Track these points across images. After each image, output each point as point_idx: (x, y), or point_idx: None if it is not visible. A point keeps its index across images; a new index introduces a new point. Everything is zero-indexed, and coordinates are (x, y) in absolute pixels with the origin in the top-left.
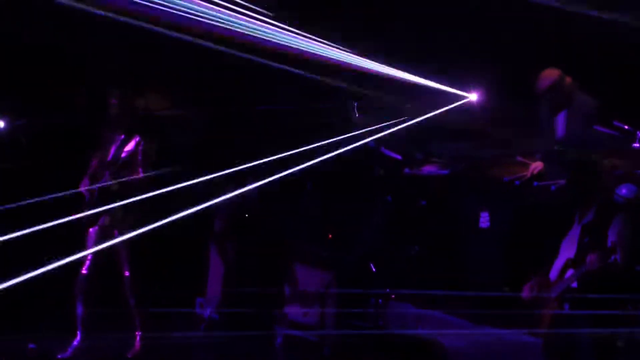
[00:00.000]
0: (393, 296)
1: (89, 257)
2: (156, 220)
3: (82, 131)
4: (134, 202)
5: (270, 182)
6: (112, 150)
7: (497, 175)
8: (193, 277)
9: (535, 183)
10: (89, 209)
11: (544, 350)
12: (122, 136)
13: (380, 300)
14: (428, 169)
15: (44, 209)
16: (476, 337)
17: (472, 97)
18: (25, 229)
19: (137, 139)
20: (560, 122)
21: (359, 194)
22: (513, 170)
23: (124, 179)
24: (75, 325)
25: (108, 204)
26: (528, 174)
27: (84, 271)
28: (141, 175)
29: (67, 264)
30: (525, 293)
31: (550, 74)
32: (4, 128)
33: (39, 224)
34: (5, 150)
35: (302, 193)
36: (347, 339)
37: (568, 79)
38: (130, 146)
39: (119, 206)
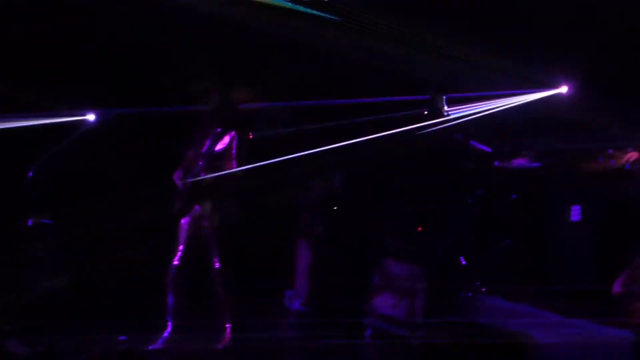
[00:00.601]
0: (483, 289)
1: (181, 249)
2: (246, 212)
3: (175, 123)
4: (225, 194)
5: (358, 175)
6: (207, 143)
7: (589, 168)
8: (282, 269)
9: (627, 166)
10: (182, 201)
11: (636, 344)
12: (218, 130)
13: (470, 294)
14: (519, 161)
15: (137, 201)
16: (567, 331)
17: (563, 88)
18: (118, 220)
19: (233, 133)
20: None
21: (448, 187)
22: (606, 163)
23: (216, 171)
24: (166, 317)
25: (200, 196)
26: (623, 161)
27: (175, 262)
28: (234, 168)
29: (158, 255)
30: (617, 287)
31: None
32: (95, 121)
33: (131, 216)
34: (97, 143)
35: (390, 186)
36: (437, 332)
37: None
38: (225, 140)
39: (210, 198)
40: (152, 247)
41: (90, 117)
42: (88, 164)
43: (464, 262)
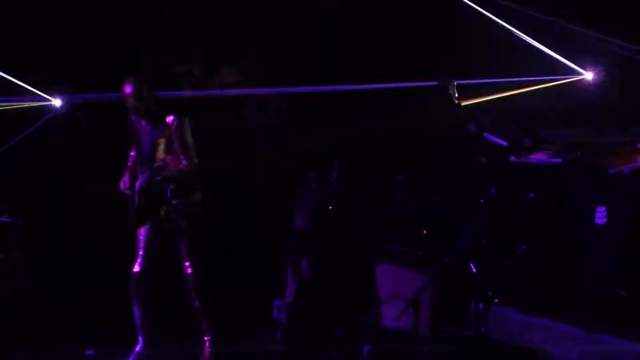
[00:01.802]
0: (496, 300)
1: (140, 254)
2: (217, 211)
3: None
4: (188, 192)
5: (357, 171)
6: (147, 145)
7: (617, 164)
8: (270, 277)
9: None
10: (136, 211)
11: None
12: (148, 128)
13: (481, 305)
14: (537, 157)
15: (108, 197)
16: (591, 348)
17: (588, 75)
18: (87, 218)
19: (169, 121)
20: None
21: (458, 185)
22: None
23: (162, 172)
24: (136, 330)
25: (155, 203)
26: None
27: (135, 269)
28: (183, 162)
29: (121, 262)
30: None
31: None
32: (62, 107)
33: (102, 214)
34: (63, 132)
35: (393, 184)
36: (444, 348)
37: None
38: (163, 135)
39: (168, 202)
40: (126, 248)
41: (57, 102)
42: (53, 155)
43: (474, 270)
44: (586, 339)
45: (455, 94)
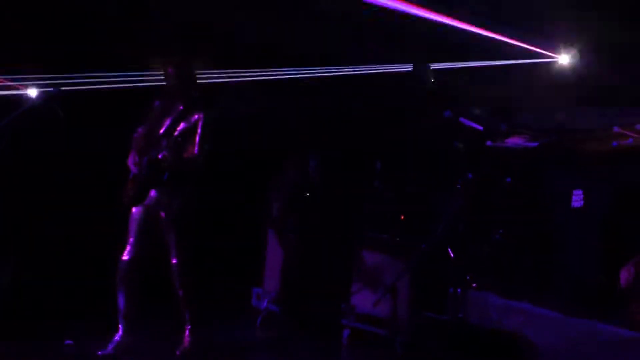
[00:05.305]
0: (474, 285)
1: (131, 242)
2: (209, 202)
3: (129, 101)
4: (186, 180)
5: (335, 159)
6: (167, 122)
7: (592, 148)
8: (249, 265)
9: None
10: (135, 187)
11: None
12: (181, 108)
13: (459, 290)
14: (514, 141)
15: (83, 189)
16: (569, 331)
17: (563, 58)
18: (62, 211)
19: (200, 114)
20: None
21: (435, 171)
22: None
23: (175, 155)
24: (117, 319)
25: (157, 182)
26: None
27: (125, 257)
28: (196, 152)
29: (107, 250)
30: (623, 280)
31: None
32: (37, 98)
33: (77, 206)
34: (39, 123)
35: (370, 172)
36: (422, 333)
37: None
38: (188, 120)
39: (167, 185)
40: (101, 240)
41: (32, 92)
42: (27, 148)
43: (452, 254)
44: (563, 322)
45: (431, 79)
